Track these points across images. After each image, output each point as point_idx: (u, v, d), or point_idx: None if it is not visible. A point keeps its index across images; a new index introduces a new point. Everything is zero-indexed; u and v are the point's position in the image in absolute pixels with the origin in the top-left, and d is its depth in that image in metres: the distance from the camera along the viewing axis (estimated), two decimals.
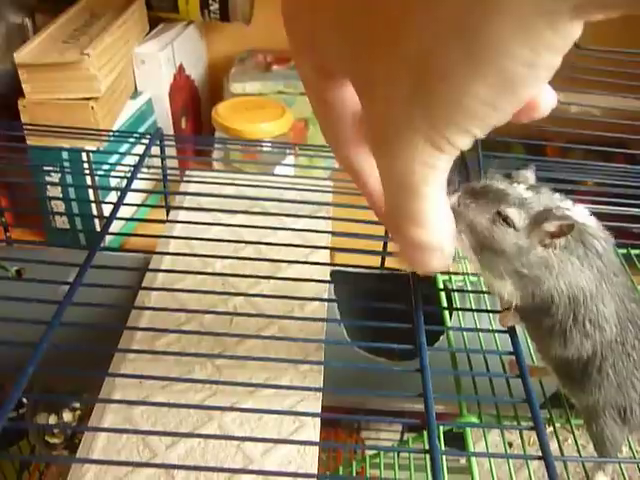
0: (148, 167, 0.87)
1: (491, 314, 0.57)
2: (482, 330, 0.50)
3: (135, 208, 0.86)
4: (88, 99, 0.75)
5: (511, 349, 0.44)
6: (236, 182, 0.69)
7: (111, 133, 0.77)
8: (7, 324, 0.50)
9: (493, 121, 0.23)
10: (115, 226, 0.83)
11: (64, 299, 0.45)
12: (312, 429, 0.50)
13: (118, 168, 0.82)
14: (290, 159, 0.82)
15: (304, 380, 0.53)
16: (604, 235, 0.42)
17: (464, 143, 0.23)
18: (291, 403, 0.51)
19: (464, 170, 0.61)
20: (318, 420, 0.50)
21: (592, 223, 0.42)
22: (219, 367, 0.53)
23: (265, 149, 0.80)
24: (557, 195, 0.42)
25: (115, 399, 0.50)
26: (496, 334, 0.53)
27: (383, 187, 0.25)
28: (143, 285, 0.60)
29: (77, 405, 0.81)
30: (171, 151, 0.73)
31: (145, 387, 0.51)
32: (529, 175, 0.44)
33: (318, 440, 0.49)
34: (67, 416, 0.78)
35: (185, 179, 0.71)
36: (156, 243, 0.67)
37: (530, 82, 0.21)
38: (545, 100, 0.26)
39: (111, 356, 0.54)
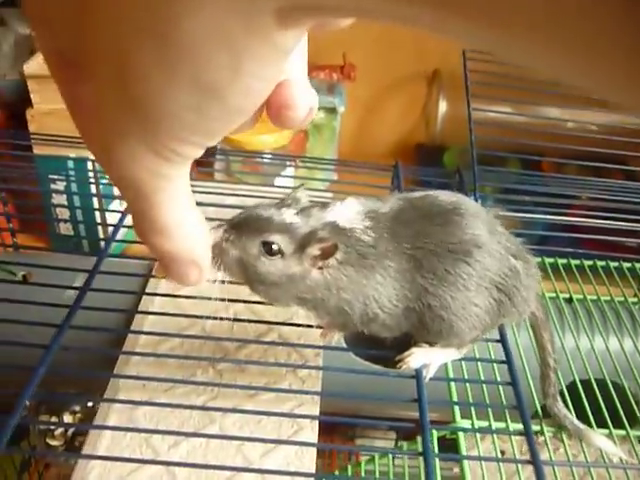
0: None
1: None
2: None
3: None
4: None
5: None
6: (237, 193, 0.71)
7: None
8: (12, 326, 0.52)
9: (215, 129, 0.21)
10: (119, 233, 0.85)
11: (74, 303, 0.46)
12: (310, 432, 0.51)
13: None
14: (290, 171, 0.84)
15: (303, 385, 0.54)
16: (372, 224, 0.41)
17: (193, 152, 0.21)
18: (290, 407, 0.52)
19: (460, 185, 0.63)
20: (316, 424, 0.52)
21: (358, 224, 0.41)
22: (220, 371, 0.55)
23: (266, 160, 0.82)
24: (331, 210, 0.41)
25: (119, 399, 0.51)
26: (489, 343, 0.56)
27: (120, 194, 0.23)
28: (146, 291, 0.62)
29: (77, 408, 0.82)
30: None
31: (148, 390, 0.53)
32: (301, 196, 0.42)
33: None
34: (68, 419, 0.79)
35: None
36: None
37: (240, 91, 0.19)
38: (301, 98, 0.23)
39: (115, 359, 0.56)
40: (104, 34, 0.19)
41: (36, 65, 0.76)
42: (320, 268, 0.40)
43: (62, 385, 0.77)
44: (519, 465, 0.52)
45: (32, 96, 0.76)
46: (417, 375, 0.43)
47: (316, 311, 0.43)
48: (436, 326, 0.43)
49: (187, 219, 0.24)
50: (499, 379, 0.51)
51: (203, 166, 0.91)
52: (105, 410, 0.51)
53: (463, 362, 0.53)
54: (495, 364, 0.47)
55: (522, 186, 0.82)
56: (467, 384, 0.55)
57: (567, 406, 0.55)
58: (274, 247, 0.39)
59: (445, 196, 0.44)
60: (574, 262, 0.74)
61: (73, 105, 0.24)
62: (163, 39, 0.18)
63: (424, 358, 0.45)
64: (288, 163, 0.82)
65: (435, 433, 0.52)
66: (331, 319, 0.44)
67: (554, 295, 0.72)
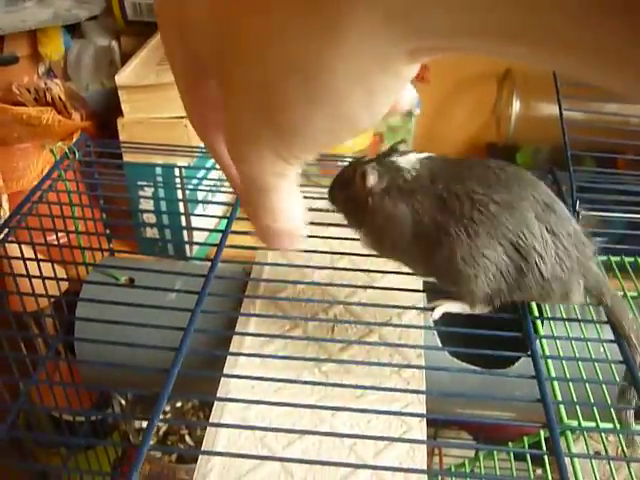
0: (220, 180, 0.91)
1: (582, 323, 0.59)
2: (591, 340, 0.52)
3: (217, 220, 0.90)
4: (182, 118, 0.79)
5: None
6: (325, 196, 0.72)
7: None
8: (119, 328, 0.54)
9: (340, 141, 0.24)
10: (201, 237, 0.87)
11: (195, 307, 0.48)
12: (419, 432, 0.52)
13: (203, 182, 0.86)
14: None
15: (407, 386, 0.55)
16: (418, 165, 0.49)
17: (312, 158, 0.25)
18: (397, 408, 0.53)
19: (556, 186, 0.63)
20: (424, 424, 0.52)
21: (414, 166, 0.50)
22: (326, 373, 0.56)
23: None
24: (407, 156, 0.50)
25: (234, 398, 0.53)
26: (588, 343, 0.56)
27: (240, 182, 0.27)
28: (247, 294, 0.63)
29: (167, 409, 0.85)
30: None
31: (257, 392, 0.54)
32: (400, 147, 0.52)
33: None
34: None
35: None
36: (244, 254, 0.70)
37: (367, 117, 0.23)
38: (404, 98, 0.27)
39: (219, 361, 0.57)
40: (251, 56, 0.22)
41: (127, 76, 0.79)
42: (371, 196, 0.49)
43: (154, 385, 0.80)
44: (612, 466, 0.52)
45: (123, 106, 0.79)
46: (538, 375, 0.44)
47: (369, 236, 0.53)
48: (446, 268, 0.49)
49: (293, 206, 0.28)
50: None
51: None
52: (219, 411, 0.53)
53: (565, 362, 0.53)
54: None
55: (600, 185, 0.81)
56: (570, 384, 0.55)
57: None
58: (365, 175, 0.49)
59: (509, 166, 0.49)
60: None
61: (196, 105, 0.28)
62: (309, 75, 0.21)
63: (442, 308, 0.53)
64: None
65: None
66: (374, 242, 0.54)
67: (636, 294, 0.71)
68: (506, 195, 0.47)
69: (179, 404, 0.85)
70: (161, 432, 0.83)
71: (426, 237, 0.49)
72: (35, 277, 0.58)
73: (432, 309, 0.54)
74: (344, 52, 0.20)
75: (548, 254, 0.48)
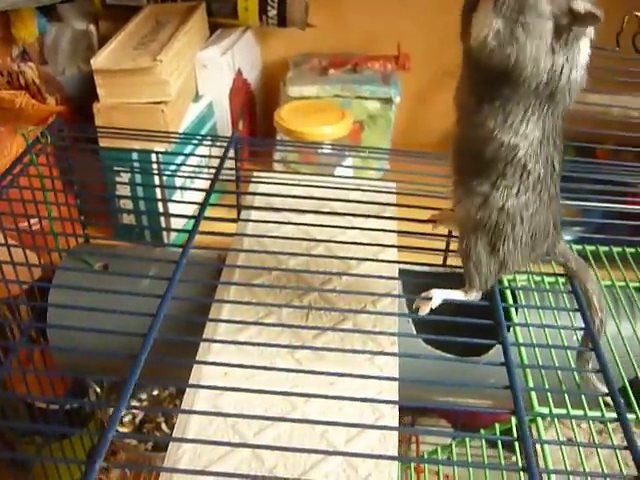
0: (208, 167, 0.90)
1: (555, 311, 0.59)
2: (566, 328, 0.52)
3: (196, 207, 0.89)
4: (159, 103, 0.78)
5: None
6: (303, 183, 0.72)
7: (197, 136, 0.81)
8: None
9: None
10: (180, 224, 0.86)
11: (166, 293, 0.48)
12: (391, 419, 0.52)
13: (182, 168, 0.85)
14: (349, 161, 0.84)
15: (380, 373, 0.55)
16: None
17: None
18: (370, 395, 0.53)
19: None
20: (396, 411, 0.52)
21: None
22: (299, 360, 0.56)
23: (326, 151, 0.83)
24: None
25: (206, 385, 0.52)
26: (563, 331, 0.56)
27: None
28: (221, 280, 0.63)
29: (144, 397, 0.85)
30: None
31: (230, 379, 0.54)
32: None
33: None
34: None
35: (254, 180, 0.74)
36: (222, 241, 0.69)
37: None
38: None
39: (192, 348, 0.57)
40: None
41: (103, 60, 0.78)
42: (560, 26, 0.41)
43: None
44: (582, 453, 0.52)
45: (99, 90, 0.78)
46: (508, 363, 0.44)
47: (494, 32, 0.43)
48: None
49: None
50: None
51: (262, 156, 0.92)
52: (191, 398, 0.53)
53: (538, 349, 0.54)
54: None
55: (578, 174, 0.81)
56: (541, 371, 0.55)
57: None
58: None
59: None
60: (629, 250, 0.74)
61: None
62: None
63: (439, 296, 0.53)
64: (347, 153, 0.83)
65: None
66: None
67: (609, 283, 0.71)
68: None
69: (156, 392, 0.85)
70: (137, 420, 0.82)
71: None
72: (5, 263, 0.57)
73: (429, 298, 0.54)
74: None
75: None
